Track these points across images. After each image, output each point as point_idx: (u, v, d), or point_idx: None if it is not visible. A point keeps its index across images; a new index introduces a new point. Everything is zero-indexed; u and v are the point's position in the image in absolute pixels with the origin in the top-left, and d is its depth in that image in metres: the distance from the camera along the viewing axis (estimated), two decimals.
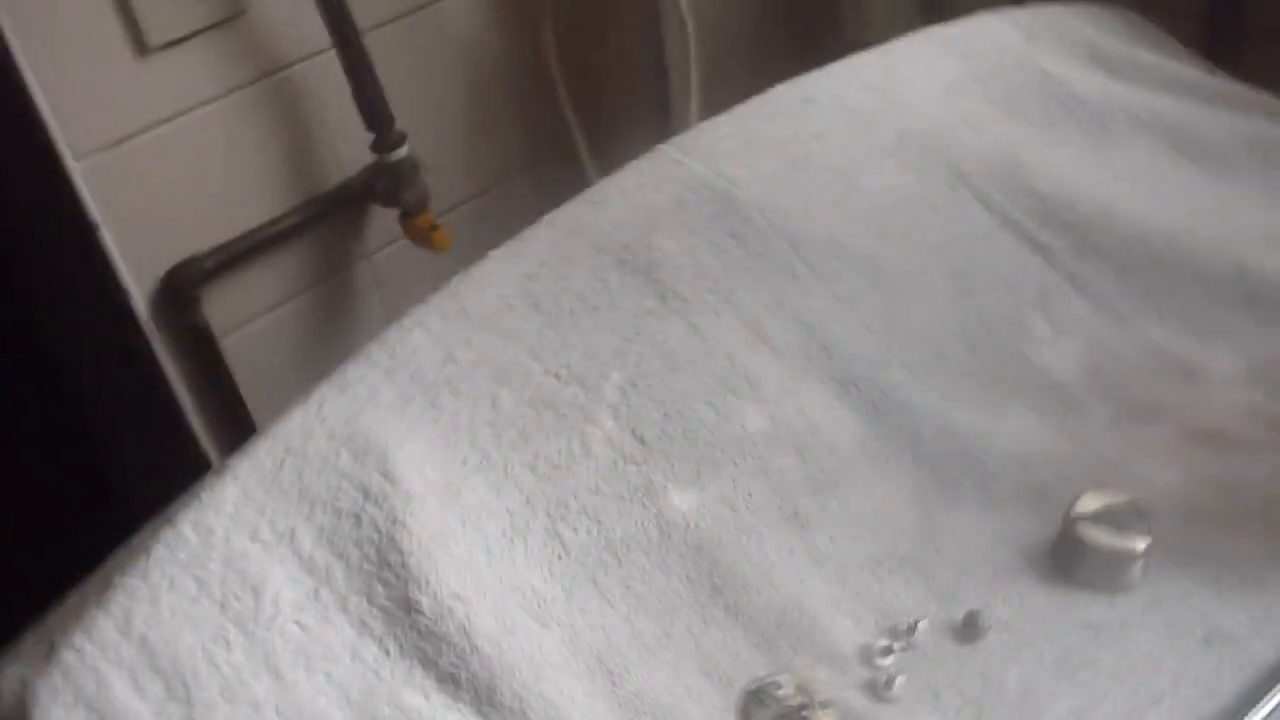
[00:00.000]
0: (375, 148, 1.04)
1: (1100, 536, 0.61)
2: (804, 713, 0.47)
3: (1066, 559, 0.62)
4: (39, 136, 0.89)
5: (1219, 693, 0.56)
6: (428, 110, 1.09)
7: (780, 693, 0.48)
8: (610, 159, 0.87)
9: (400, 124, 1.04)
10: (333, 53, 0.98)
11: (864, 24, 1.18)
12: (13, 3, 0.84)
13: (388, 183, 1.06)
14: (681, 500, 0.62)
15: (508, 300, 0.65)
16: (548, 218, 0.70)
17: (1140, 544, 0.60)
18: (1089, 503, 0.62)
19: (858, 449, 0.65)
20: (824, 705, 0.48)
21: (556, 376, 0.64)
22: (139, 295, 1.00)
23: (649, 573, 0.60)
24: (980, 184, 0.75)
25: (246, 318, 1.07)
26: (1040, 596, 0.61)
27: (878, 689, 0.57)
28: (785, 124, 0.75)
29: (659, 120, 1.20)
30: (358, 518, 0.58)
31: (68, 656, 0.55)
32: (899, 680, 0.57)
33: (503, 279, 0.66)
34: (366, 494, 0.59)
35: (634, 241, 0.68)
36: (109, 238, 0.96)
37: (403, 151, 1.05)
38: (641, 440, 0.63)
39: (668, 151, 0.73)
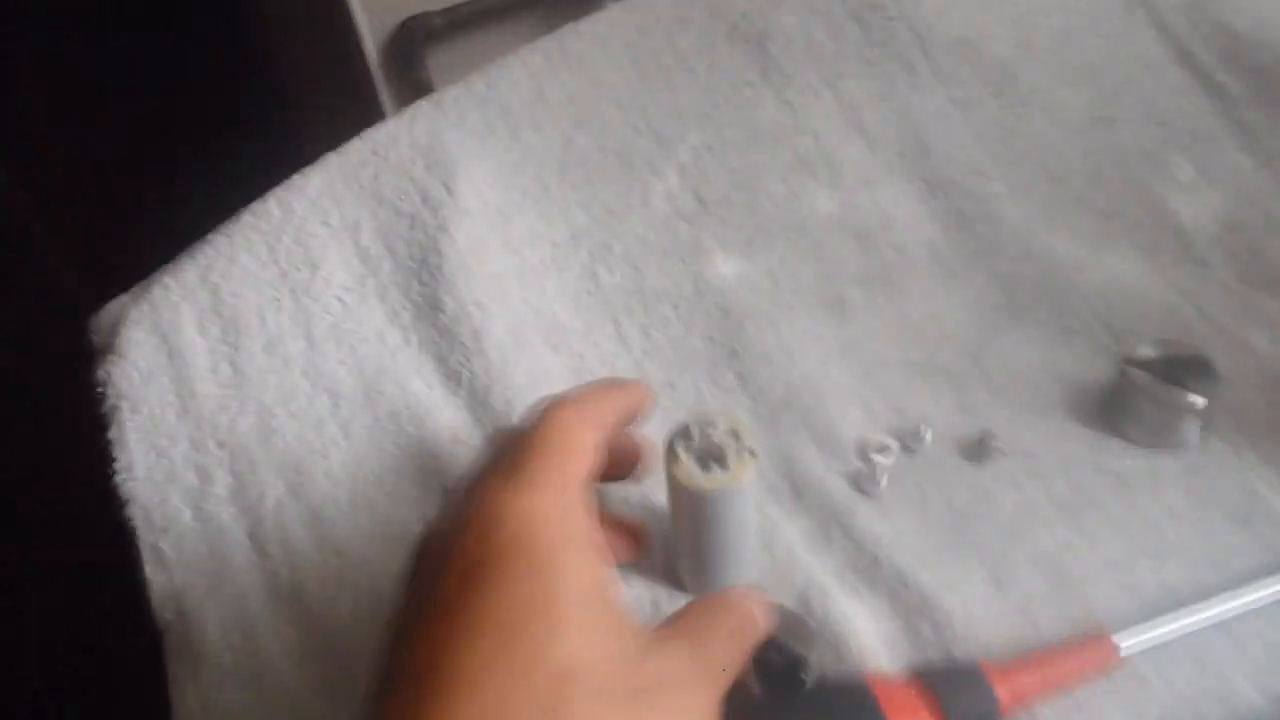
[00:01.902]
0: None
1: (1153, 385, 0.55)
2: (724, 452, 0.47)
3: (1116, 406, 0.57)
4: None
5: (1232, 569, 0.50)
6: None
7: (710, 431, 0.47)
8: None
9: None
10: None
11: None
12: None
13: None
14: (725, 265, 0.62)
15: (610, 51, 0.66)
16: None
17: (1197, 402, 0.54)
18: (1153, 349, 0.56)
19: (927, 252, 0.62)
20: (751, 453, 0.47)
21: (635, 129, 0.64)
22: (371, 44, 1.08)
23: (672, 325, 0.60)
24: (1164, 8, 0.67)
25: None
26: (1073, 436, 0.56)
27: (863, 481, 0.56)
28: None
29: None
30: (413, 220, 0.62)
31: (156, 291, 0.63)
32: (886, 477, 0.55)
33: (612, 31, 0.67)
34: (426, 200, 0.62)
35: (754, 12, 0.67)
36: None
37: None
38: (702, 201, 0.63)
39: None
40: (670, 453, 0.47)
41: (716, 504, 0.47)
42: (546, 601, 0.35)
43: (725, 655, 0.40)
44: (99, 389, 0.62)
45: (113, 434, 0.60)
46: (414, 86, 1.10)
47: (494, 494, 0.38)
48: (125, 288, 0.68)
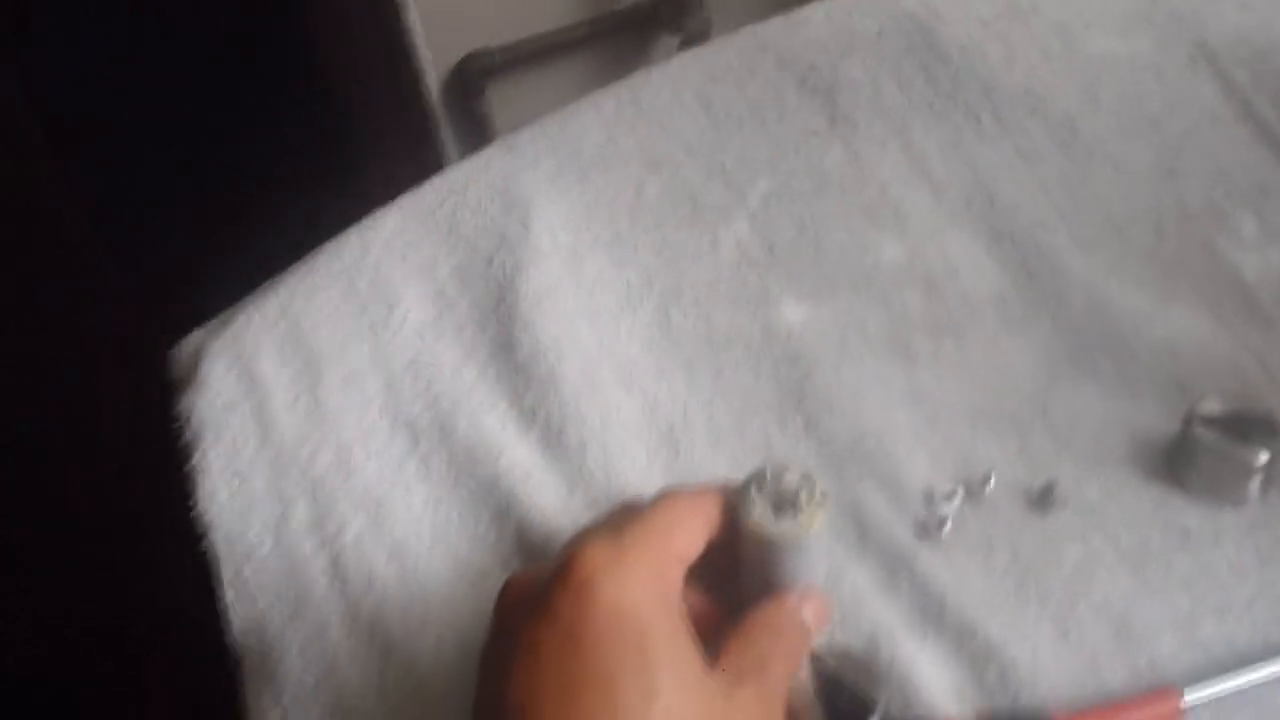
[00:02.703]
0: None
1: (1216, 441, 0.56)
2: (798, 498, 0.48)
3: (1179, 460, 0.58)
4: None
5: None
6: None
7: (784, 477, 0.48)
8: None
9: None
10: None
11: None
12: None
13: (673, 8, 1.10)
14: (793, 312, 0.63)
15: (680, 97, 0.68)
16: (747, 29, 0.71)
17: (1260, 457, 0.55)
18: (1216, 404, 0.57)
19: (994, 301, 0.63)
20: (822, 497, 0.48)
21: (706, 175, 0.66)
22: (434, 78, 1.10)
23: (741, 370, 0.62)
24: (1227, 62, 0.68)
25: (526, 119, 1.15)
26: (1137, 488, 0.57)
27: (929, 529, 0.57)
28: None
29: None
30: (490, 259, 0.64)
31: (237, 323, 0.65)
32: (949, 525, 0.56)
33: (683, 77, 0.69)
34: (503, 240, 0.64)
35: (822, 63, 0.68)
36: (414, 18, 1.06)
37: None
38: (770, 248, 0.64)
39: None
40: (744, 499, 0.48)
41: (787, 551, 0.47)
42: (643, 666, 0.38)
43: (783, 678, 0.44)
44: (178, 420, 0.64)
45: (194, 463, 0.62)
46: (474, 121, 1.12)
47: (595, 560, 0.40)
48: (193, 323, 0.70)
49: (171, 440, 0.64)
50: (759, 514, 0.47)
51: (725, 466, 0.59)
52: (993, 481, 0.58)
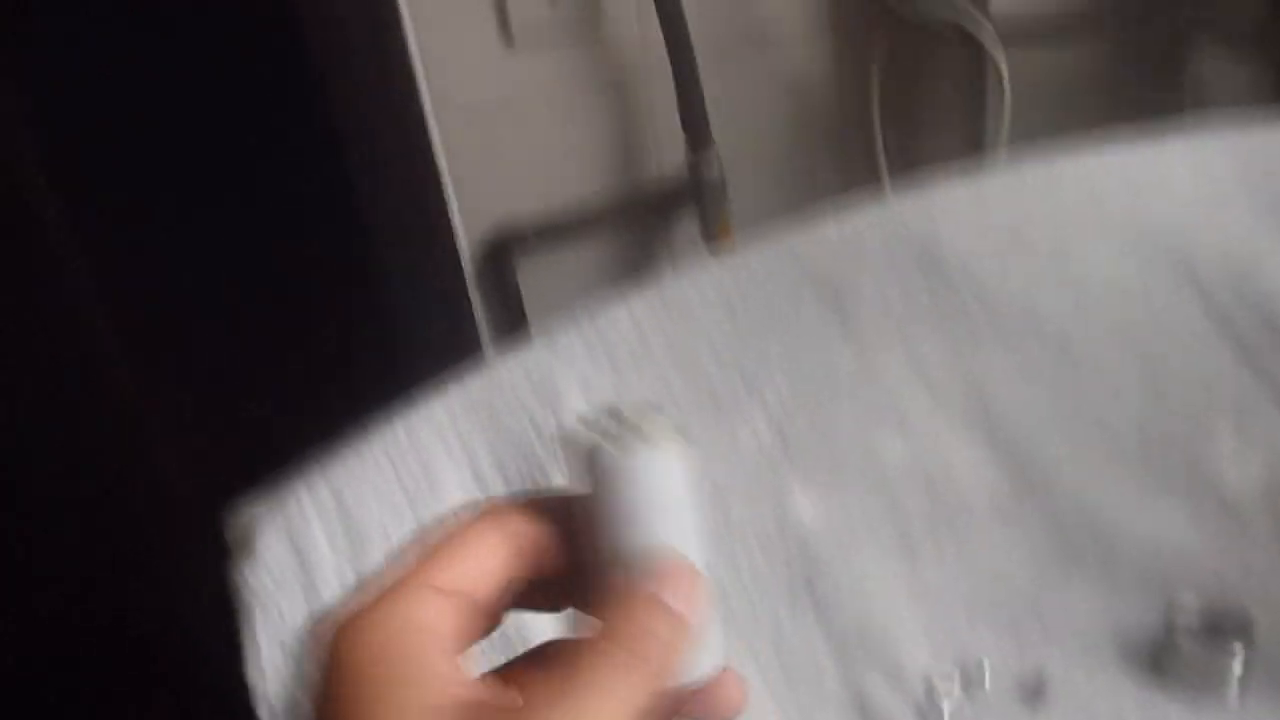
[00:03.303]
0: (689, 162, 1.16)
1: (1195, 638, 0.60)
2: (647, 429, 0.35)
3: (1162, 659, 0.62)
4: (410, 89, 1.08)
5: None
6: (746, 130, 1.20)
7: (622, 413, 0.36)
8: None
9: (720, 138, 1.15)
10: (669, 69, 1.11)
11: (1204, 90, 1.15)
12: None
13: (695, 197, 1.18)
14: (804, 503, 0.68)
15: (706, 299, 0.74)
16: (768, 240, 0.78)
17: (1238, 655, 0.59)
18: (1193, 600, 0.61)
19: (989, 502, 0.68)
20: (672, 429, 0.36)
21: (726, 371, 0.72)
22: (465, 244, 1.18)
23: (755, 557, 0.66)
24: (1209, 283, 0.74)
25: (555, 287, 1.22)
26: (1124, 685, 0.61)
27: (928, 717, 0.61)
28: (1022, 201, 0.78)
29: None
30: (527, 450, 0.69)
31: (290, 502, 0.70)
32: (948, 716, 0.61)
33: (710, 281, 0.75)
34: (538, 431, 0.70)
35: (836, 274, 0.75)
36: (449, 189, 1.14)
37: (712, 172, 1.16)
38: (784, 443, 0.70)
39: (898, 205, 0.78)
40: (571, 442, 0.35)
41: (644, 480, 0.35)
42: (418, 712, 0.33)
43: (622, 701, 0.32)
44: (233, 588, 0.69)
45: (244, 632, 0.67)
46: (505, 287, 1.19)
47: (332, 628, 0.35)
48: (231, 477, 0.75)
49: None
50: (599, 446, 0.34)
51: (737, 650, 0.64)
52: (988, 674, 0.62)
